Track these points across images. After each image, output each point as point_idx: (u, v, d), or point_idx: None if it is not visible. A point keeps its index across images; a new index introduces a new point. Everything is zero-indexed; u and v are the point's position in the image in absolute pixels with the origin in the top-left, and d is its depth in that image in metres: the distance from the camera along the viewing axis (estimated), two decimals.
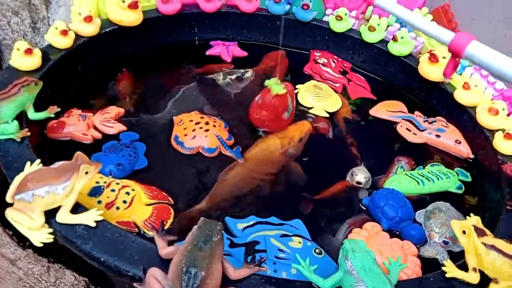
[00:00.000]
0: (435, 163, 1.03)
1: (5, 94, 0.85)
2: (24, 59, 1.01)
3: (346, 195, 0.96)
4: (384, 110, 1.21)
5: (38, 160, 0.76)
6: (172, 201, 0.88)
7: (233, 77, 1.28)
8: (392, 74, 1.33)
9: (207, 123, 1.05)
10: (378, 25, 1.32)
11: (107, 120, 1.05)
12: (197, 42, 1.43)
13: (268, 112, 1.07)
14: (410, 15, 0.78)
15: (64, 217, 0.68)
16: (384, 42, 1.33)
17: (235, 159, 1.00)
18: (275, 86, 1.04)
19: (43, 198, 0.67)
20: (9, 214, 0.68)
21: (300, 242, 0.78)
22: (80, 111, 1.05)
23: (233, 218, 0.85)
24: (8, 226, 1.18)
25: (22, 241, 1.14)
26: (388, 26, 1.40)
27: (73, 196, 0.69)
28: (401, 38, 1.27)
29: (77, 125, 1.00)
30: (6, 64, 1.37)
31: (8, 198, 0.69)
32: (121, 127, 1.05)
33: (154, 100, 1.19)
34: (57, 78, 1.07)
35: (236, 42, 1.42)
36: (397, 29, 1.38)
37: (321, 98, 1.22)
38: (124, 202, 0.83)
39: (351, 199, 0.96)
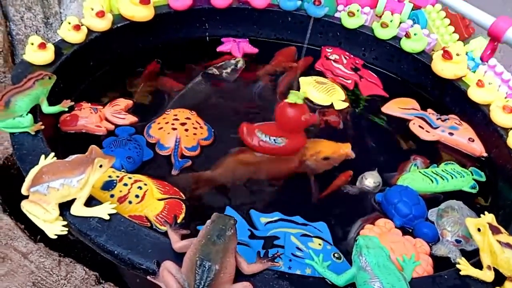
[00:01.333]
0: (449, 162, 1.02)
1: (19, 88, 0.86)
2: (37, 53, 1.02)
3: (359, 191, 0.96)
4: (397, 107, 1.20)
5: (52, 154, 0.77)
6: (183, 196, 0.88)
7: (228, 70, 1.29)
8: (405, 71, 1.32)
9: (183, 124, 1.01)
10: (391, 21, 1.31)
11: (118, 112, 1.06)
12: (207, 38, 1.43)
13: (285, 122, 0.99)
14: None
15: (78, 209, 0.68)
16: (396, 38, 1.32)
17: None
18: (293, 96, 0.96)
19: (58, 191, 0.67)
20: (25, 206, 0.68)
21: (320, 244, 0.78)
22: (90, 104, 1.05)
23: (258, 212, 0.86)
24: (20, 219, 1.19)
25: (33, 234, 1.15)
26: (400, 23, 1.38)
27: (87, 189, 0.69)
28: (414, 34, 1.26)
29: (90, 117, 1.01)
30: (18, 59, 1.38)
31: (24, 191, 0.70)
32: (132, 118, 1.05)
33: (163, 94, 1.20)
34: (70, 72, 1.07)
35: (247, 39, 1.42)
36: (410, 26, 1.37)
37: (329, 91, 1.21)
38: (137, 196, 0.83)
39: (364, 195, 0.95)
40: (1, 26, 1.29)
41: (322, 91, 1.22)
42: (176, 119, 1.02)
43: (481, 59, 0.75)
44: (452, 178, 0.94)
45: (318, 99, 1.21)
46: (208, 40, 1.43)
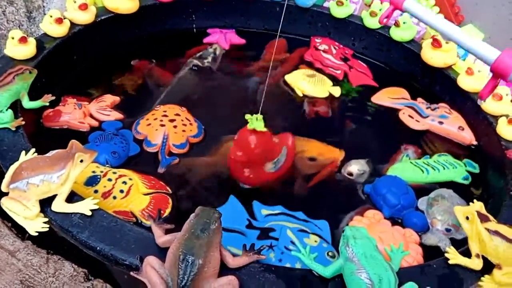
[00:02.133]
0: (443, 154, 1.01)
1: None
2: (18, 48, 0.99)
3: (348, 182, 0.95)
4: (387, 97, 1.19)
5: (33, 150, 0.75)
6: (170, 190, 0.87)
7: (209, 59, 1.27)
8: (394, 60, 1.31)
9: (172, 120, 0.99)
10: (380, 10, 1.29)
11: (104, 108, 1.04)
12: (195, 29, 1.40)
13: (243, 153, 0.86)
14: (443, 24, 0.73)
15: (59, 206, 0.67)
16: (386, 27, 1.31)
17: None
18: (255, 121, 0.83)
19: (38, 187, 0.65)
20: (4, 203, 0.67)
21: (316, 241, 0.77)
22: (75, 99, 1.03)
23: (261, 203, 0.85)
24: (7, 217, 1.17)
25: (21, 232, 1.14)
26: None
27: (68, 185, 0.68)
28: (403, 23, 1.25)
29: (73, 113, 0.99)
30: (1, 54, 1.35)
31: (3, 187, 0.68)
32: (118, 115, 1.03)
33: (150, 89, 1.18)
34: (52, 67, 1.05)
35: (234, 30, 1.40)
36: (399, 14, 1.35)
37: (321, 82, 1.20)
38: (121, 191, 0.82)
39: (353, 186, 0.94)
40: None
41: (316, 84, 1.20)
42: (165, 116, 1.00)
43: (480, 97, 0.71)
44: (444, 169, 0.94)
45: (314, 92, 1.19)
46: (196, 32, 1.40)
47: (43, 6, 1.38)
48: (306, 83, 1.20)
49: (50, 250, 1.09)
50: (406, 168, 0.94)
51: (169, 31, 1.35)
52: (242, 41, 1.37)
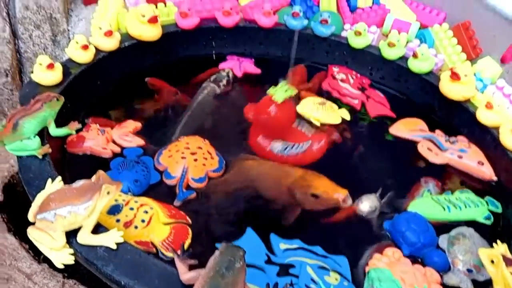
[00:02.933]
0: (464, 190, 1.00)
1: (27, 110, 0.86)
2: (46, 73, 1.02)
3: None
4: (405, 128, 1.19)
5: (59, 178, 0.76)
6: (189, 220, 0.87)
7: (224, 82, 1.29)
8: (412, 91, 1.31)
9: (193, 153, 1.00)
10: (398, 41, 1.31)
11: (126, 134, 1.06)
12: (214, 56, 1.43)
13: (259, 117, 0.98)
14: None
15: (85, 238, 0.68)
16: (404, 58, 1.32)
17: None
18: (279, 91, 0.95)
19: (65, 218, 0.66)
20: (31, 233, 0.68)
21: (336, 279, 0.77)
22: (98, 125, 1.05)
23: (279, 236, 0.85)
24: (24, 239, 1.18)
25: (37, 255, 1.14)
26: (407, 42, 1.38)
27: (94, 217, 0.68)
28: (422, 54, 1.26)
29: (96, 139, 1.00)
30: (26, 76, 1.39)
31: (30, 217, 0.69)
32: (139, 141, 1.05)
33: (171, 114, 1.20)
34: (77, 92, 1.07)
35: (253, 59, 1.41)
36: (417, 45, 1.36)
37: (332, 108, 1.21)
38: (143, 221, 0.82)
39: (371, 221, 0.94)
40: (10, 44, 1.30)
41: (328, 111, 1.21)
42: (187, 148, 1.01)
43: (502, 60, 0.69)
44: (466, 207, 0.93)
45: (329, 119, 1.19)
46: (215, 58, 1.43)
47: (68, 30, 1.41)
48: (320, 112, 1.20)
49: (66, 274, 1.09)
50: (427, 204, 0.93)
51: (190, 57, 1.38)
52: (257, 70, 1.38)
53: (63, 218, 0.66)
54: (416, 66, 1.27)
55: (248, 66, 1.39)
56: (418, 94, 1.30)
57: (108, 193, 0.69)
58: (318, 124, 1.19)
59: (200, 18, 1.35)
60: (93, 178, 0.71)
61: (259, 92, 1.33)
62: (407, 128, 1.19)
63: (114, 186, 0.70)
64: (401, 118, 1.23)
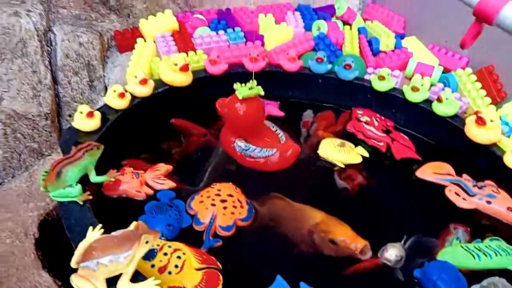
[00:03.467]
0: (495, 238, 0.99)
1: (70, 159, 0.91)
2: (85, 121, 1.09)
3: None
4: (431, 172, 1.20)
5: (100, 225, 0.80)
6: (220, 266, 0.89)
7: None
8: (437, 134, 1.32)
9: (223, 201, 1.02)
10: (422, 85, 1.33)
11: (158, 177, 1.10)
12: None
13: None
14: None
15: (124, 285, 0.70)
16: (428, 101, 1.34)
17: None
18: (243, 88, 1.00)
19: (107, 267, 0.70)
20: (75, 280, 0.71)
21: None
22: (132, 169, 1.10)
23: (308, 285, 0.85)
24: (58, 276, 1.22)
25: None
26: (431, 86, 1.41)
27: (133, 265, 0.71)
28: (446, 99, 1.28)
29: (131, 182, 1.05)
30: (64, 119, 1.47)
31: (73, 264, 0.73)
32: (171, 183, 1.09)
33: (200, 156, 1.24)
34: (114, 137, 1.13)
35: (278, 103, 1.45)
36: (440, 89, 1.39)
37: (351, 149, 1.24)
38: (176, 266, 0.84)
39: (402, 270, 0.94)
40: (51, 90, 1.39)
41: (349, 151, 1.23)
42: (218, 195, 1.03)
43: (462, 44, 0.63)
44: (496, 255, 0.92)
45: (351, 159, 1.22)
46: None
47: (104, 76, 1.50)
48: (342, 154, 1.23)
49: None
50: (457, 253, 0.92)
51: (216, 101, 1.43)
52: (280, 113, 1.41)
53: (105, 266, 0.70)
54: (441, 110, 1.29)
55: (272, 109, 1.43)
56: (443, 137, 1.31)
57: (146, 242, 0.72)
58: (343, 166, 1.21)
59: (228, 64, 1.42)
60: (132, 226, 0.75)
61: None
62: (434, 172, 1.20)
63: (153, 235, 0.73)
64: (427, 162, 1.24)
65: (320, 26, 1.65)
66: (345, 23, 1.75)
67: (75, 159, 0.91)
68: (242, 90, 1.05)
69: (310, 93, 1.48)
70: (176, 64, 1.29)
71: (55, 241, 1.33)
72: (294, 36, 1.61)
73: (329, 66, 1.45)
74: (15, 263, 1.21)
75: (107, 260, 0.70)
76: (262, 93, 1.00)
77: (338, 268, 0.95)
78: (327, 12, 1.76)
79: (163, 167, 1.14)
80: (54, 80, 1.41)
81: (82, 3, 1.51)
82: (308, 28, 1.66)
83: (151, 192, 1.06)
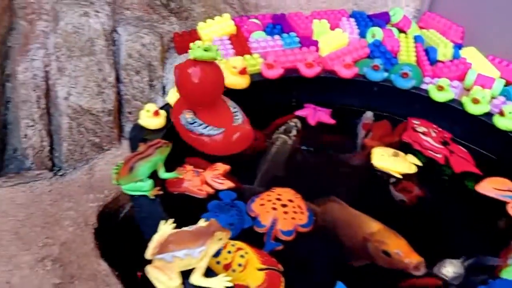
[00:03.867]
0: None
1: (141, 155, 0.95)
2: (152, 119, 1.13)
3: None
4: (492, 187, 1.16)
5: (171, 220, 0.83)
6: (282, 268, 0.90)
7: (295, 132, 1.33)
8: (497, 148, 1.29)
9: (284, 205, 1.03)
10: (483, 97, 1.30)
11: (217, 176, 1.13)
12: (293, 103, 1.50)
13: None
14: None
15: (197, 279, 0.73)
16: (489, 114, 1.31)
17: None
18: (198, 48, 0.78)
19: (182, 260, 0.73)
20: (150, 271, 0.74)
21: None
22: (192, 167, 1.13)
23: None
24: (114, 266, 1.27)
25: (127, 283, 1.22)
26: (492, 98, 1.37)
27: (206, 260, 0.74)
28: (509, 113, 1.24)
29: (193, 180, 1.08)
30: (124, 116, 1.53)
31: (148, 255, 0.76)
32: (230, 183, 1.11)
33: (251, 158, 1.26)
34: (176, 135, 1.17)
35: (330, 110, 1.45)
36: (502, 102, 1.35)
37: (405, 158, 1.23)
38: (240, 265, 0.86)
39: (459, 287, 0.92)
40: (114, 88, 1.45)
41: (403, 161, 1.22)
42: (279, 199, 1.05)
43: None
44: None
45: (405, 169, 1.21)
46: (293, 105, 1.50)
47: (162, 76, 1.55)
48: (398, 164, 1.21)
49: None
50: None
51: (272, 103, 1.46)
52: (331, 121, 1.41)
53: (180, 260, 0.73)
54: (503, 124, 1.26)
55: (323, 116, 1.43)
56: (504, 152, 1.27)
57: (219, 239, 0.75)
58: (400, 177, 1.20)
59: (284, 69, 1.44)
60: (204, 222, 0.78)
61: (332, 143, 1.39)
62: (495, 187, 1.16)
63: (225, 233, 0.76)
64: (487, 176, 1.21)
65: (375, 33, 1.64)
66: (400, 30, 1.73)
67: (146, 155, 0.95)
68: (195, 50, 0.85)
69: (364, 101, 1.48)
70: (235, 67, 1.32)
71: (113, 232, 1.39)
72: (349, 43, 1.60)
73: (385, 74, 1.44)
74: (76, 250, 1.28)
75: (182, 254, 0.73)
76: (218, 57, 0.79)
77: (389, 280, 0.94)
78: (382, 19, 1.75)
79: (222, 167, 1.16)
80: (117, 79, 1.48)
81: (145, 5, 1.57)
82: (362, 34, 1.66)
83: (211, 191, 1.09)
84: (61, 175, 1.45)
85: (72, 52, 1.39)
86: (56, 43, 1.38)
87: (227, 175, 1.15)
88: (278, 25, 1.66)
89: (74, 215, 1.36)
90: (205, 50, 0.79)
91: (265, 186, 1.14)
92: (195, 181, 1.09)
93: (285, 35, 1.59)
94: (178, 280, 0.73)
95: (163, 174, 0.97)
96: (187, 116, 0.88)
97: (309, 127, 1.41)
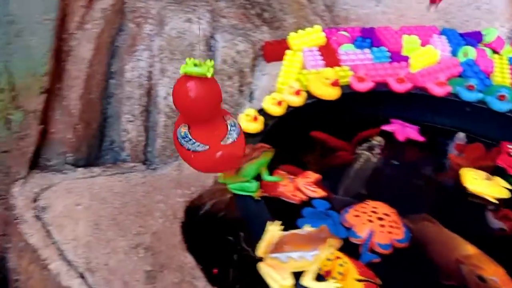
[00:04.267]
0: None
1: (248, 156, 1.00)
2: (250, 124, 1.19)
3: None
4: None
5: (279, 222, 0.87)
6: (379, 281, 0.91)
7: (378, 150, 1.32)
8: None
9: (380, 219, 1.04)
10: None
11: (309, 184, 1.16)
12: (380, 117, 1.50)
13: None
14: None
15: (308, 282, 0.76)
16: None
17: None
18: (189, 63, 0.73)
19: (296, 262, 0.76)
20: (264, 268, 0.78)
21: None
22: (285, 172, 1.17)
23: None
24: (199, 260, 1.33)
25: (211, 278, 1.28)
26: None
27: (318, 264, 0.77)
28: None
29: (287, 185, 1.12)
30: None
31: (261, 253, 0.80)
32: (322, 192, 1.14)
33: (336, 170, 1.28)
34: (270, 140, 1.21)
35: (418, 127, 1.43)
36: None
37: (497, 184, 1.19)
38: (340, 273, 0.88)
39: None
40: None
41: (497, 185, 1.18)
42: (375, 212, 1.06)
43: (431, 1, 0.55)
44: None
45: (498, 193, 1.17)
46: (380, 120, 1.50)
47: (251, 82, 1.62)
48: (492, 188, 1.18)
49: None
50: None
51: (359, 116, 1.47)
52: (420, 138, 1.39)
53: (294, 261, 0.76)
54: None
55: (412, 133, 1.42)
56: None
57: (331, 246, 0.77)
58: (495, 201, 1.17)
59: (374, 82, 1.45)
60: (307, 228, 0.81)
61: (420, 160, 1.37)
62: None
63: (336, 241, 0.78)
64: None
65: (468, 52, 1.60)
66: (493, 51, 1.67)
67: (253, 157, 1.00)
68: (186, 65, 0.78)
69: (455, 121, 1.45)
70: (327, 79, 1.35)
71: (197, 227, 1.46)
72: (440, 60, 1.58)
73: (480, 95, 1.41)
74: (165, 241, 1.35)
75: (297, 256, 0.76)
76: (209, 75, 0.75)
77: None
78: (474, 38, 1.70)
79: (313, 175, 1.19)
80: None
81: (241, 14, 1.64)
82: (454, 53, 1.63)
83: (304, 198, 1.12)
84: (153, 169, 1.55)
85: (174, 55, 1.48)
86: (160, 45, 1.48)
87: (318, 184, 1.17)
88: (367, 38, 1.67)
89: (164, 207, 1.44)
90: (196, 65, 0.74)
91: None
92: (289, 186, 1.12)
93: (375, 48, 1.60)
94: (291, 280, 0.76)
95: (266, 177, 1.02)
96: (181, 130, 0.86)
97: (395, 142, 1.40)
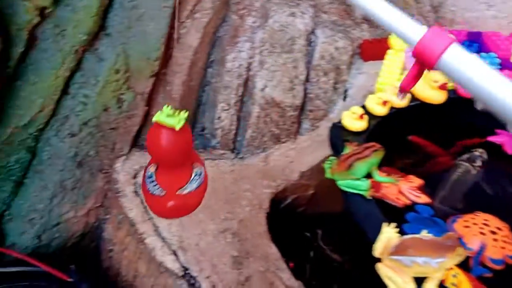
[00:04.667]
0: None
1: (360, 155, 0.99)
2: (357, 121, 1.17)
3: None
4: None
5: (394, 224, 0.85)
6: None
7: (479, 163, 1.22)
8: None
9: (493, 232, 0.96)
10: None
11: (413, 189, 1.11)
12: (484, 127, 1.41)
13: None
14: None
15: None
16: None
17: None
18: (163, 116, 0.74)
19: (420, 266, 0.74)
20: (383, 269, 0.77)
21: None
22: (385, 174, 1.14)
23: None
24: (282, 252, 1.35)
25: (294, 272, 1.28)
26: None
27: (442, 272, 0.74)
28: None
29: (391, 188, 1.08)
30: (304, 113, 1.60)
31: (378, 254, 0.79)
32: (426, 198, 1.09)
33: (437, 179, 1.21)
34: (373, 140, 1.19)
35: None
36: None
37: None
38: (453, 285, 0.84)
39: None
40: (303, 85, 1.53)
41: None
42: (486, 225, 1.00)
43: (401, 90, 0.52)
44: None
45: None
46: (480, 128, 1.40)
47: (347, 80, 1.59)
48: None
49: None
50: None
51: (463, 123, 1.39)
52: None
53: (418, 265, 0.74)
54: None
55: (507, 143, 1.32)
56: None
57: (459, 255, 0.74)
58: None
59: None
60: (424, 233, 0.77)
61: None
62: None
63: (465, 251, 0.74)
64: None
65: None
66: None
67: (364, 156, 0.98)
68: (159, 113, 0.81)
69: None
70: (436, 81, 1.29)
71: (281, 220, 1.48)
72: None
73: None
74: (251, 229, 1.38)
75: (422, 261, 0.73)
76: (177, 127, 0.75)
77: None
78: None
79: (416, 180, 1.14)
80: (306, 78, 1.55)
81: (342, 10, 1.62)
82: None
83: (408, 202, 1.08)
84: (240, 158, 1.58)
85: (274, 48, 1.49)
86: (262, 38, 1.50)
87: (422, 189, 1.13)
88: (474, 43, 1.57)
89: (250, 196, 1.47)
90: (168, 116, 0.75)
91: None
92: (393, 189, 1.09)
93: (483, 54, 1.51)
94: (412, 285, 0.74)
95: (377, 177, 0.99)
96: (150, 169, 0.86)
97: (501, 155, 1.31)
